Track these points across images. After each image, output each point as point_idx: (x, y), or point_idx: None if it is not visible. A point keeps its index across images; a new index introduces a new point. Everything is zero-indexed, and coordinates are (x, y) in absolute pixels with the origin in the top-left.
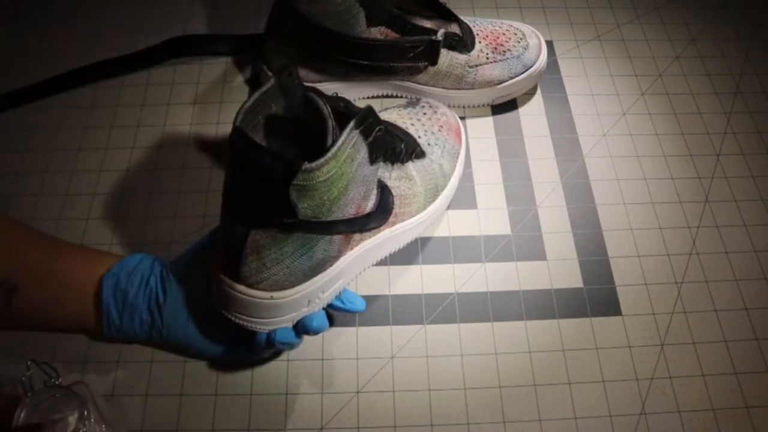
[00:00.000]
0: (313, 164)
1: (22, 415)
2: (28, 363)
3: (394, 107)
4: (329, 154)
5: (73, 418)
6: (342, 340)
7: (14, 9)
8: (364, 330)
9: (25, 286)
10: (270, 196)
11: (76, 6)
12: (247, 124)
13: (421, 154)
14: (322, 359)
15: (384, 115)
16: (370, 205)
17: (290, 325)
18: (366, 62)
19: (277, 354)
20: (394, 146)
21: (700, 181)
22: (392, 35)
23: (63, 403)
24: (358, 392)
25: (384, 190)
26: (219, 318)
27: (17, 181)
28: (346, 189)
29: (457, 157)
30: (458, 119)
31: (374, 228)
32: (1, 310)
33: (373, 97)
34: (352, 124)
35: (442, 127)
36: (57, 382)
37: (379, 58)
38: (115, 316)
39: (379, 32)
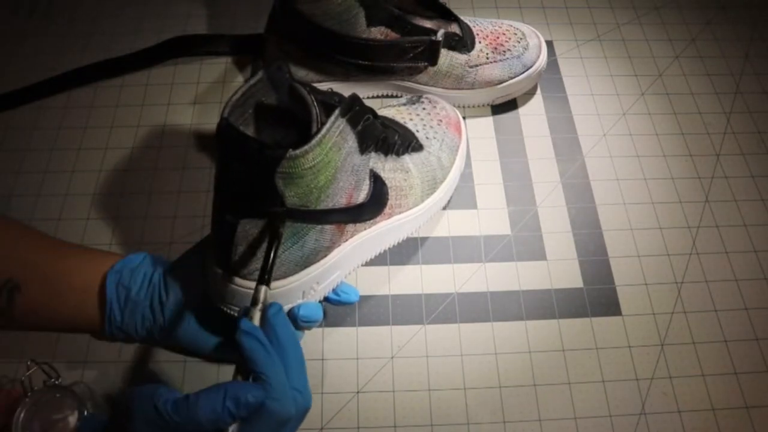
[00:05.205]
0: (297, 151)
1: (22, 415)
2: (28, 363)
3: (394, 105)
4: (313, 141)
5: (73, 418)
6: (342, 340)
7: (14, 9)
8: (364, 330)
9: (27, 286)
10: (257, 184)
11: (76, 6)
12: (237, 117)
13: (418, 147)
14: (322, 359)
15: (383, 112)
16: (362, 195)
17: None
18: (366, 62)
19: None
20: (385, 136)
21: (700, 181)
22: (392, 35)
23: (63, 403)
24: (358, 392)
25: (377, 181)
26: (220, 317)
27: (17, 181)
28: (334, 177)
29: (457, 151)
30: (458, 113)
31: (369, 219)
32: (4, 310)
33: (373, 97)
34: (337, 112)
35: (441, 120)
36: (57, 382)
37: (379, 58)
38: (117, 313)
39: (379, 32)
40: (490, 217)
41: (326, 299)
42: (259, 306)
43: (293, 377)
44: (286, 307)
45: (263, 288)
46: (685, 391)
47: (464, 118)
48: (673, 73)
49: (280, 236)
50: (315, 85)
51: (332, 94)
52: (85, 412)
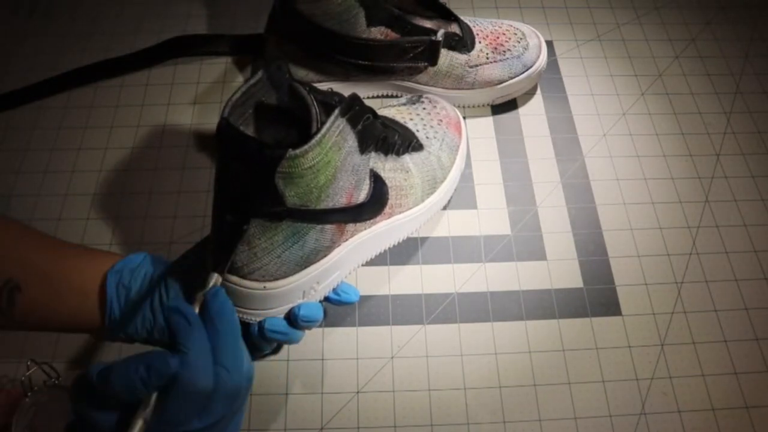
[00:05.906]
0: (297, 151)
1: (22, 415)
2: (28, 363)
3: (394, 105)
4: (313, 141)
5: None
6: (342, 340)
7: (14, 9)
8: (364, 330)
9: (27, 286)
10: (257, 184)
11: (76, 6)
12: (237, 117)
13: (418, 147)
14: (322, 359)
15: (383, 112)
16: (363, 195)
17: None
18: (366, 62)
19: (276, 353)
20: (385, 136)
21: (700, 181)
22: (392, 35)
23: (63, 403)
24: (358, 392)
25: (377, 181)
26: None
27: (17, 181)
28: (334, 177)
29: (457, 150)
30: (458, 113)
31: (369, 219)
32: (4, 310)
33: (373, 97)
34: (336, 111)
35: (441, 120)
36: (57, 382)
37: (379, 58)
38: (117, 313)
39: (379, 32)
40: (490, 217)
41: (326, 299)
42: (205, 290)
43: (221, 355)
44: (287, 307)
45: (214, 275)
46: (685, 391)
47: (464, 118)
48: (673, 73)
49: (243, 233)
50: (315, 85)
51: (332, 94)
52: None
